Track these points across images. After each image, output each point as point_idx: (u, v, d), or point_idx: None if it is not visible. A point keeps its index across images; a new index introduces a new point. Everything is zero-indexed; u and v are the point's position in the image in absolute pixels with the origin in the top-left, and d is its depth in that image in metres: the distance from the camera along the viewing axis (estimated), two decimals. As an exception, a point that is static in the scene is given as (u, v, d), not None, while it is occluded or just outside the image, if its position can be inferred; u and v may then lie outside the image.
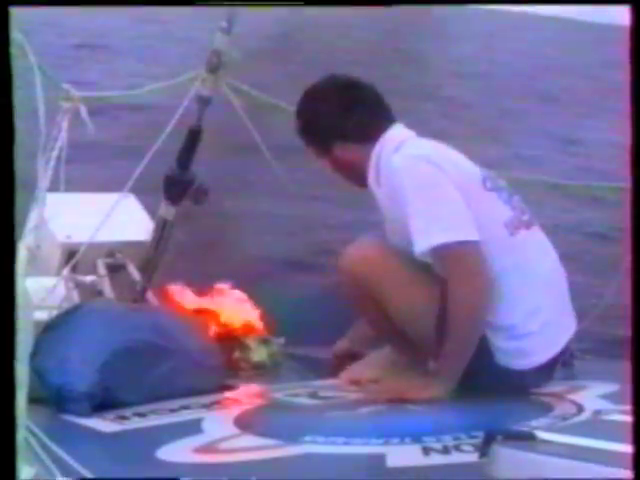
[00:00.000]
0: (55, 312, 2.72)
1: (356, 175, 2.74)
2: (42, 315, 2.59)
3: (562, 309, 2.70)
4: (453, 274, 2.49)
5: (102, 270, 3.23)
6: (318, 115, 2.75)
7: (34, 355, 2.41)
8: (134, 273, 3.27)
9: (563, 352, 2.66)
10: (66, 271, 3.09)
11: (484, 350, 2.55)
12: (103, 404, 2.43)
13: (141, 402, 2.49)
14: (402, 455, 2.01)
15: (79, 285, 3.10)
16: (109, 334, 2.54)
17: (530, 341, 2.58)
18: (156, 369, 2.57)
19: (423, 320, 2.57)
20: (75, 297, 3.04)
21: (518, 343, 2.58)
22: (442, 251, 2.49)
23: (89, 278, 3.16)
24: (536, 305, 2.59)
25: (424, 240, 2.49)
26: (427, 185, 2.55)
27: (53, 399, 2.41)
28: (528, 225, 2.66)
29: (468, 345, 2.51)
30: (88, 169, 5.00)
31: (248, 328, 3.27)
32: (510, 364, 2.58)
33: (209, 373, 2.75)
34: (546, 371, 2.63)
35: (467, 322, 2.50)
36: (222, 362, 2.90)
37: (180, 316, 3.02)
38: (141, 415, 2.40)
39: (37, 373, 2.30)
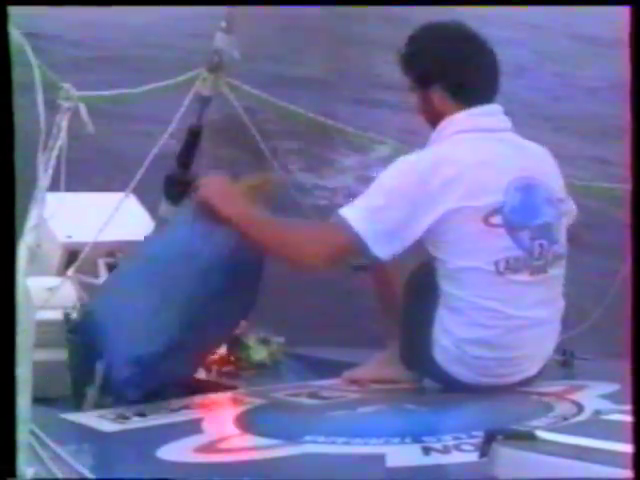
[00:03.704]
0: (58, 313, 2.74)
1: (434, 124, 2.71)
2: (45, 315, 2.59)
3: (530, 350, 2.67)
4: (318, 227, 2.67)
5: (103, 270, 3.23)
6: (434, 50, 2.71)
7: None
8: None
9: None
10: (71, 271, 3.09)
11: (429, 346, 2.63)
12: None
13: (186, 323, 2.53)
14: (402, 455, 2.01)
15: (83, 285, 3.10)
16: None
17: (473, 361, 2.61)
18: (185, 279, 2.57)
19: None
20: (84, 297, 3.04)
21: (461, 357, 2.61)
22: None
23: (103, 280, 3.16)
24: (492, 339, 2.59)
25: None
26: (395, 183, 2.54)
27: None
28: (537, 271, 2.60)
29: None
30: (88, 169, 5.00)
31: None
32: (448, 369, 2.63)
33: (247, 256, 2.64)
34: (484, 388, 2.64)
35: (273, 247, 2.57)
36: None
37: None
38: (141, 415, 2.40)
39: None
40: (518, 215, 2.57)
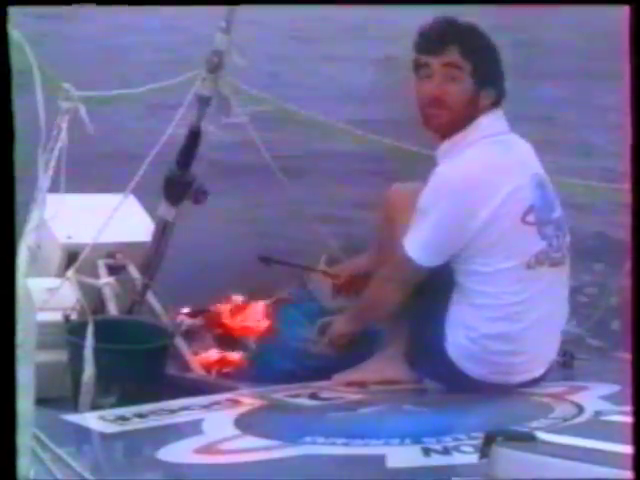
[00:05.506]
0: (58, 314, 2.74)
1: (459, 124, 2.70)
2: (44, 317, 2.58)
3: (541, 347, 2.73)
4: (384, 268, 2.73)
5: (103, 271, 3.23)
6: (497, 52, 2.74)
7: None
8: (134, 274, 3.27)
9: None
10: (71, 273, 3.08)
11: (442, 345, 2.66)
12: None
13: None
14: (402, 456, 2.02)
15: (83, 287, 3.09)
16: None
17: (489, 357, 2.65)
18: None
19: None
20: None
21: (476, 353, 2.64)
22: (398, 249, 2.66)
23: (103, 281, 3.17)
24: (515, 333, 2.64)
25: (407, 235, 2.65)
26: (437, 202, 2.62)
27: None
28: (555, 263, 2.69)
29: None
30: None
31: (247, 329, 3.27)
32: (461, 365, 2.66)
33: None
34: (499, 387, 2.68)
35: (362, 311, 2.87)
36: None
37: None
38: (141, 416, 2.40)
39: None
40: (544, 211, 2.69)
